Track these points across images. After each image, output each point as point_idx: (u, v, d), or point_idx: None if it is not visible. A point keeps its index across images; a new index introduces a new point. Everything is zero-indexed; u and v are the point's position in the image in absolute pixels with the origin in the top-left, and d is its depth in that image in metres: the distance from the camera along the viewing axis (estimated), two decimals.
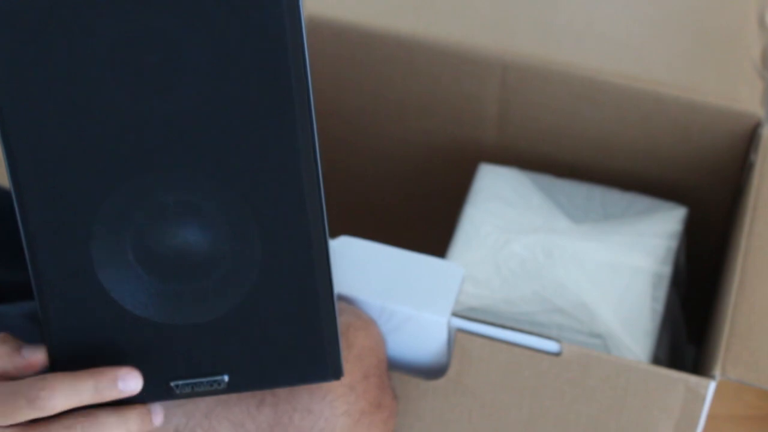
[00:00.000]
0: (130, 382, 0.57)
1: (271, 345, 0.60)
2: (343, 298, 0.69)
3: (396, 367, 0.71)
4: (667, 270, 0.80)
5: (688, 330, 0.90)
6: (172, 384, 0.60)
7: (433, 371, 0.71)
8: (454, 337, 0.69)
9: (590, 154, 0.89)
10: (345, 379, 0.64)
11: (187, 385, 0.61)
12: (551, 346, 0.68)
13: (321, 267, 0.59)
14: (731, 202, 0.87)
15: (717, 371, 0.67)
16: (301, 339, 0.60)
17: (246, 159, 0.56)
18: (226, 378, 0.61)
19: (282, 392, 0.64)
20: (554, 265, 0.80)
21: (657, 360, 0.78)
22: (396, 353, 0.71)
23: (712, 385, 0.67)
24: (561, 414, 0.69)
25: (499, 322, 0.72)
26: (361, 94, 0.92)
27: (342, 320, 0.67)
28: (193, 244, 0.58)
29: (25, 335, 0.60)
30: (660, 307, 0.79)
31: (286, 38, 0.54)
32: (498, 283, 0.79)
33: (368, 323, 0.68)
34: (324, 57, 0.90)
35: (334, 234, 0.72)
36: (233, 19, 0.54)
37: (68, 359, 0.59)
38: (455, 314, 0.69)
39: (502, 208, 0.84)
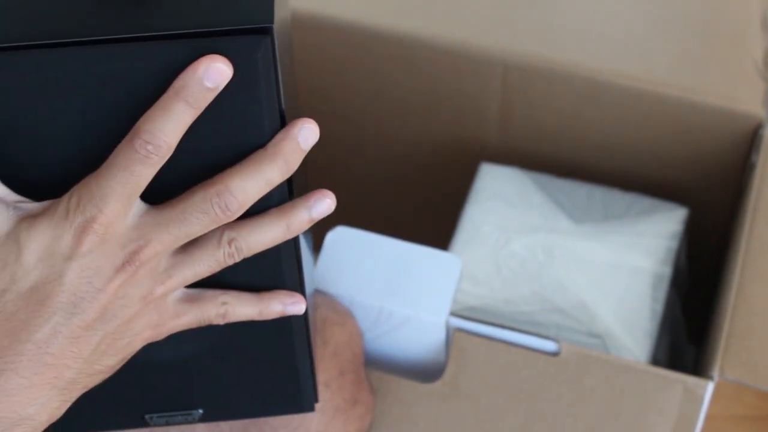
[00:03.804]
0: (322, 207, 0.54)
1: (245, 381, 0.60)
2: (341, 298, 0.69)
3: (394, 366, 0.71)
4: (667, 270, 0.80)
5: (689, 330, 0.91)
6: (146, 416, 0.61)
7: (431, 370, 0.71)
8: (452, 336, 0.69)
9: (591, 154, 0.89)
10: (320, 377, 0.64)
11: (161, 417, 0.61)
12: (549, 345, 0.69)
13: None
14: (732, 202, 0.87)
15: (715, 372, 0.67)
16: (275, 376, 0.60)
17: None
18: (200, 411, 0.61)
19: None
20: (554, 265, 0.80)
21: (656, 360, 0.78)
22: (394, 353, 0.71)
23: (710, 386, 0.67)
24: (558, 414, 0.69)
25: (498, 322, 0.72)
26: (363, 93, 0.92)
27: (318, 314, 0.67)
28: None
29: None
30: (660, 307, 0.79)
31: (263, 125, 0.52)
32: (498, 283, 0.79)
33: (345, 317, 0.68)
34: (326, 56, 0.90)
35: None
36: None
37: None
38: (454, 313, 0.69)
39: (503, 208, 0.84)
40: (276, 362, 0.59)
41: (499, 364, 0.69)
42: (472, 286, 0.79)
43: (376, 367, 0.71)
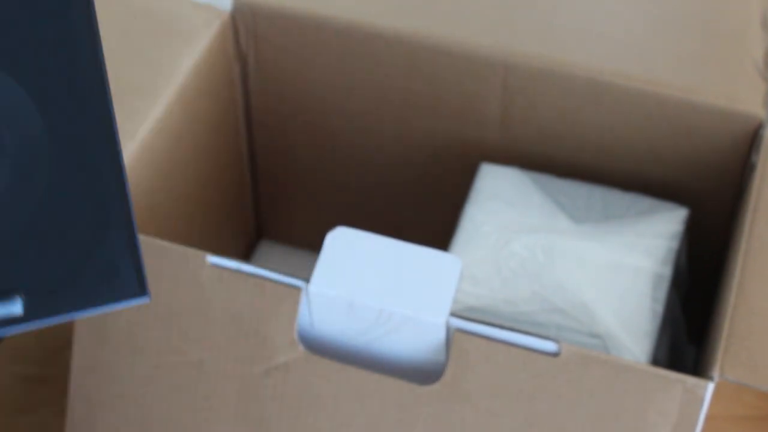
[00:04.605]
0: None
1: (65, 264, 0.56)
2: (340, 299, 0.69)
3: (393, 367, 0.71)
4: (667, 270, 0.80)
5: (689, 330, 0.91)
6: None
7: (431, 371, 0.71)
8: (452, 336, 0.69)
9: (591, 155, 0.89)
10: None
11: None
12: (549, 346, 0.69)
13: (111, 177, 0.56)
14: (732, 203, 0.87)
15: (715, 372, 0.67)
16: (95, 254, 0.56)
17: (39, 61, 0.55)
18: (19, 302, 0.56)
19: None
20: (554, 265, 0.80)
21: (656, 361, 0.78)
22: (393, 354, 0.71)
23: (710, 387, 0.67)
24: (558, 414, 0.69)
25: (498, 322, 0.72)
26: (363, 94, 0.92)
27: None
28: None
29: None
30: (660, 307, 0.79)
31: None
32: (498, 283, 0.79)
33: None
34: (326, 56, 0.90)
35: None
36: None
37: None
38: (454, 314, 0.69)
39: (503, 208, 0.84)
40: (94, 242, 0.56)
41: (499, 365, 0.69)
42: (472, 286, 0.79)
43: (375, 369, 0.71)
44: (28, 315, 0.57)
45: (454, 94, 0.89)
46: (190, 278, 0.74)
